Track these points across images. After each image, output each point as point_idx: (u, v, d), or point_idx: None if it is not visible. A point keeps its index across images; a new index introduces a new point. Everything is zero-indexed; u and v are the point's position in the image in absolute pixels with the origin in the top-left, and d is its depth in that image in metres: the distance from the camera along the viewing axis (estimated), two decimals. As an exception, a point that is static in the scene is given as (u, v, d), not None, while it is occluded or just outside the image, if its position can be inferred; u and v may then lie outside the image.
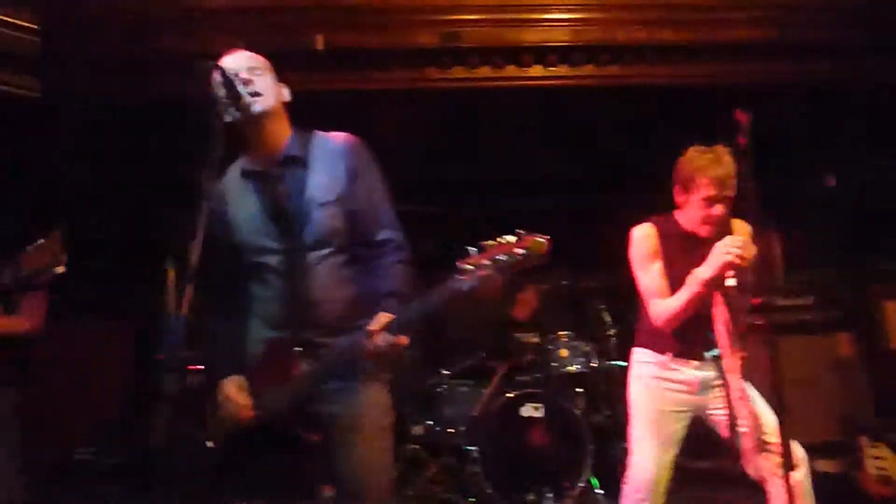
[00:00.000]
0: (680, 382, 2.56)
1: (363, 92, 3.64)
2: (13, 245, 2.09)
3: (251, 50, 2.04)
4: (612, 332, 4.59)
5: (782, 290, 5.04)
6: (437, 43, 3.49)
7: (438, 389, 4.50)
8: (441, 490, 4.26)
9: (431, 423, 4.43)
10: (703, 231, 2.49)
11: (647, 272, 2.56)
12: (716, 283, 2.33)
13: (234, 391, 1.94)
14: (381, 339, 1.77)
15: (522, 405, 4.08)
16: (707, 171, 2.40)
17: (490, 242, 1.68)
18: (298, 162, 1.99)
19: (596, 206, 4.92)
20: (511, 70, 3.68)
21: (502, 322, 5.20)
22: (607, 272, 3.58)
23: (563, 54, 3.69)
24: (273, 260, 1.97)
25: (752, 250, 2.32)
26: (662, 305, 2.51)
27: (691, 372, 2.55)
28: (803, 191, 5.13)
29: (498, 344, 4.79)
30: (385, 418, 2.02)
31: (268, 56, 2.06)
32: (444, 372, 4.56)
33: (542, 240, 1.65)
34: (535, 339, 4.78)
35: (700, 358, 2.53)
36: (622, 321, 4.54)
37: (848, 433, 4.34)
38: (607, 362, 4.48)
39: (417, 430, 4.42)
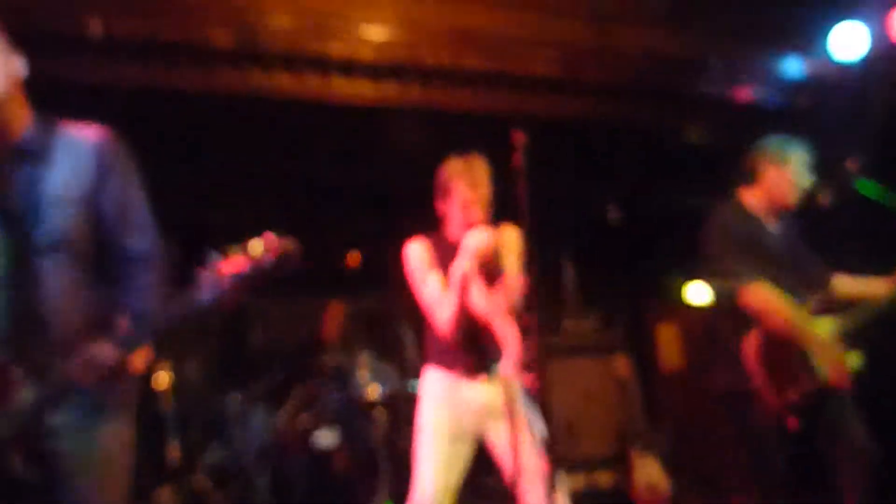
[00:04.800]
0: (466, 402, 2.55)
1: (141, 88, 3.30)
2: None
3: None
4: (411, 351, 4.57)
5: (572, 314, 5.37)
6: (232, 44, 3.26)
7: (229, 414, 4.20)
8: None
9: (220, 451, 4.11)
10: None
11: (426, 284, 2.58)
12: (473, 272, 2.43)
13: None
14: (102, 360, 1.57)
15: (317, 431, 3.90)
16: (461, 175, 2.56)
17: (234, 247, 1.53)
18: (36, 155, 1.73)
19: (397, 225, 4.90)
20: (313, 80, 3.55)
21: (308, 342, 5.01)
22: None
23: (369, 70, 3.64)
24: None
25: (499, 239, 2.46)
26: (442, 311, 2.53)
27: (477, 391, 2.55)
28: (591, 222, 5.52)
29: (301, 365, 4.57)
30: (123, 457, 1.78)
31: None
32: (237, 395, 4.27)
33: (290, 244, 1.53)
34: (339, 361, 4.65)
35: (486, 377, 2.55)
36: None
37: (622, 447, 4.69)
38: (407, 382, 4.45)
39: (206, 458, 4.08)
